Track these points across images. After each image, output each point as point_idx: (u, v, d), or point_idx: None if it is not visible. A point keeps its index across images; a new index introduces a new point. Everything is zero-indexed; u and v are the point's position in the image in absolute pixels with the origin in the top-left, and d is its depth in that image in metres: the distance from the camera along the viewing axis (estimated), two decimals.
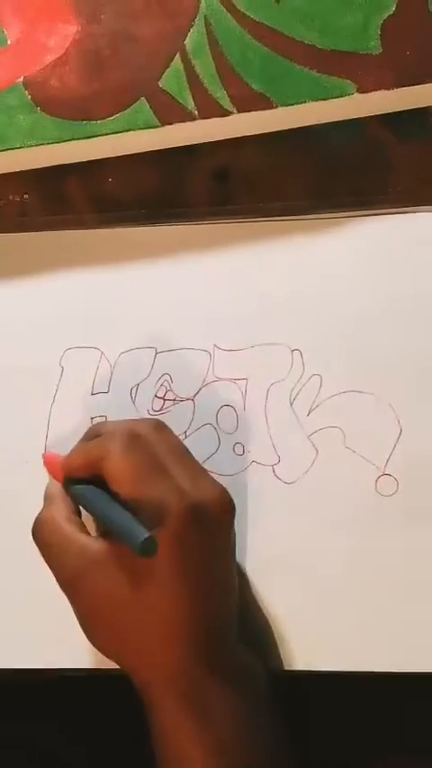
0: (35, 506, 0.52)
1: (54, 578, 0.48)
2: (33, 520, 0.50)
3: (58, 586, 0.48)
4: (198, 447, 0.54)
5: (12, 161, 0.53)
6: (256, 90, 0.51)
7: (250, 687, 0.47)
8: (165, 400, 0.55)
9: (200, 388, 0.54)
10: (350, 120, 0.53)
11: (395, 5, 0.51)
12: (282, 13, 0.51)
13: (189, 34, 0.51)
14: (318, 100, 0.51)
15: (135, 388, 0.55)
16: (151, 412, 0.54)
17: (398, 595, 0.52)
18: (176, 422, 0.54)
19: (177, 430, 0.54)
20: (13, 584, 0.54)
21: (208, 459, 0.54)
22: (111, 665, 0.48)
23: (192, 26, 0.51)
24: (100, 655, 0.49)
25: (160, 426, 0.49)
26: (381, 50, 0.51)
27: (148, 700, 0.47)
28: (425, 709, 0.53)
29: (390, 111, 0.53)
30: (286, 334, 0.54)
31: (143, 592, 0.45)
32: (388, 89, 0.51)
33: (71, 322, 0.55)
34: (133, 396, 0.55)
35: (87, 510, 0.49)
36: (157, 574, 0.45)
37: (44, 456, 0.52)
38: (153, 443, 0.48)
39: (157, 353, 0.55)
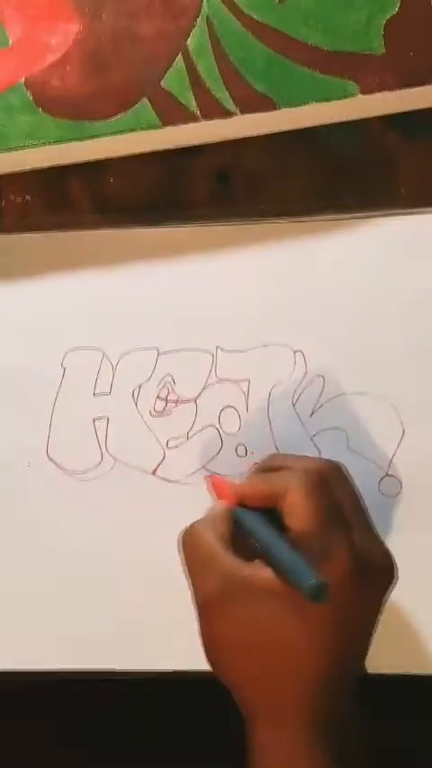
0: (36, 508, 0.52)
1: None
2: (35, 524, 0.49)
3: (57, 586, 0.48)
4: (200, 448, 0.54)
5: (13, 161, 0.53)
6: (258, 91, 0.51)
7: (357, 739, 0.47)
8: (167, 401, 0.55)
9: (202, 390, 0.54)
10: (353, 120, 0.53)
11: (398, 5, 0.51)
12: (284, 14, 0.51)
13: (191, 34, 0.51)
14: (320, 101, 0.51)
15: (137, 390, 0.55)
16: (153, 413, 0.54)
17: (401, 596, 0.52)
18: (179, 423, 0.54)
19: (179, 431, 0.54)
20: (14, 584, 0.54)
21: (210, 460, 0.54)
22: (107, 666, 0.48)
23: (194, 26, 0.51)
24: (98, 656, 0.49)
25: (343, 472, 0.49)
26: (384, 51, 0.51)
27: (258, 734, 0.46)
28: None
29: (393, 112, 0.53)
30: (289, 336, 0.54)
31: (289, 631, 0.45)
32: (391, 90, 0.51)
33: (73, 323, 0.55)
34: (135, 397, 0.55)
35: (253, 537, 0.47)
36: (310, 618, 0.44)
37: (210, 478, 0.52)
38: (336, 490, 0.47)
39: (159, 354, 0.55)
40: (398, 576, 0.47)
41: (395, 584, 0.47)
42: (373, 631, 0.47)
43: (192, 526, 0.49)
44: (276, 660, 0.45)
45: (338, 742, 0.45)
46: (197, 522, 0.49)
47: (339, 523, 0.46)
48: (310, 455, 0.53)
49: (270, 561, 0.45)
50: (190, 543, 0.48)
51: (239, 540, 0.48)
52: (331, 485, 0.47)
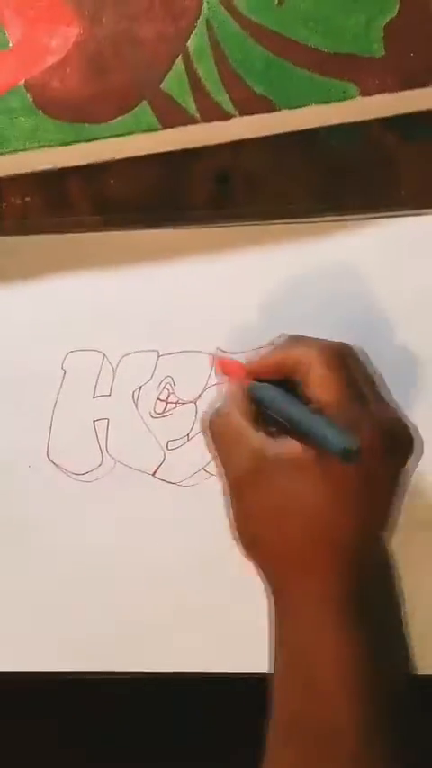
0: (37, 509, 0.52)
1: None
2: (36, 525, 0.49)
3: (58, 587, 0.48)
4: (200, 450, 0.54)
5: (13, 163, 0.53)
6: (257, 93, 0.51)
7: (384, 608, 0.48)
8: (167, 403, 0.55)
9: (202, 391, 0.55)
10: (353, 122, 0.53)
11: (398, 8, 0.51)
12: (284, 16, 0.51)
13: (191, 37, 0.51)
14: (320, 103, 0.51)
15: (137, 391, 0.55)
16: (153, 415, 0.55)
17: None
18: (179, 425, 0.54)
19: (180, 432, 0.54)
20: (14, 585, 0.54)
21: (210, 462, 0.54)
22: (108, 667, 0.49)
23: (194, 29, 0.51)
24: (98, 657, 0.49)
25: (357, 352, 0.50)
26: (384, 53, 0.51)
27: (285, 605, 0.47)
28: None
29: (393, 114, 0.53)
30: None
31: (318, 499, 0.45)
32: (391, 92, 0.51)
33: (73, 325, 0.55)
34: (135, 399, 0.55)
35: (274, 410, 0.48)
36: (338, 486, 0.45)
37: (217, 359, 0.53)
38: (356, 365, 0.49)
39: (159, 356, 0.55)
40: (422, 450, 0.49)
41: (416, 454, 0.48)
42: (395, 501, 0.48)
43: (216, 408, 0.49)
44: (306, 528, 0.46)
45: (365, 609, 0.46)
46: (219, 404, 0.49)
47: (360, 396, 0.47)
48: None
49: (298, 431, 0.46)
50: (217, 424, 0.49)
51: (260, 417, 0.49)
52: (349, 361, 0.48)
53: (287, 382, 0.49)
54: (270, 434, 0.47)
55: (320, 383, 0.47)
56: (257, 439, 0.47)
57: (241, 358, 0.54)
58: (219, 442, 0.49)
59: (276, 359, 0.49)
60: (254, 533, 0.48)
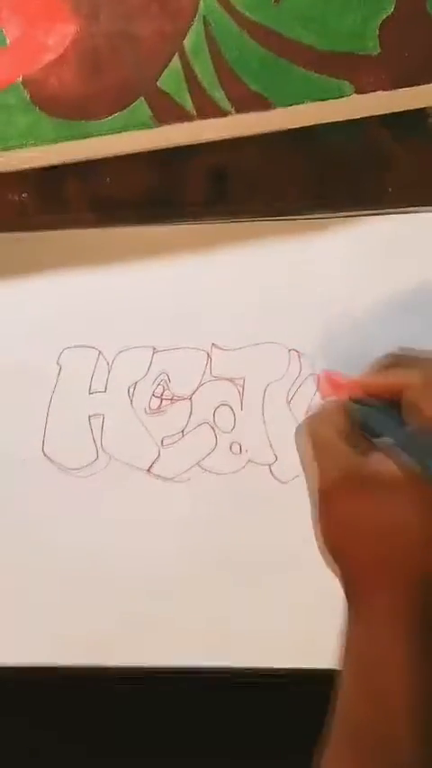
0: (31, 505, 0.52)
1: None
2: (31, 521, 0.50)
3: (53, 583, 0.48)
4: (195, 446, 0.54)
5: (10, 161, 0.53)
6: (254, 90, 0.51)
7: None
8: (162, 399, 0.55)
9: (197, 387, 0.55)
10: (349, 120, 0.53)
11: (393, 6, 0.51)
12: (280, 14, 0.51)
13: (188, 35, 0.51)
14: (316, 100, 0.51)
15: (132, 387, 0.55)
16: (148, 411, 0.55)
17: None
18: (174, 421, 0.54)
19: (174, 429, 0.54)
20: (9, 581, 0.55)
21: (205, 458, 0.54)
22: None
23: (190, 26, 0.51)
24: (95, 653, 0.49)
25: None
26: (379, 51, 0.51)
27: (363, 616, 0.47)
28: None
29: (388, 112, 0.53)
30: (284, 334, 0.54)
31: (409, 522, 0.45)
32: (386, 90, 0.51)
33: (69, 321, 0.55)
34: (131, 395, 0.55)
35: (373, 429, 0.48)
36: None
37: (324, 373, 0.52)
38: None
39: (154, 352, 0.55)
40: None
41: None
42: None
43: (311, 417, 0.49)
44: (394, 547, 0.46)
45: None
46: (315, 414, 0.49)
47: None
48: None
49: (395, 453, 0.46)
50: (311, 431, 0.49)
51: (353, 435, 0.48)
52: None
53: (389, 403, 0.48)
54: (363, 452, 0.47)
55: (422, 406, 0.46)
56: (352, 454, 0.47)
57: (236, 355, 0.55)
58: (315, 449, 0.48)
59: (384, 382, 0.49)
60: (340, 544, 0.47)
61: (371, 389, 0.49)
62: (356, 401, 0.49)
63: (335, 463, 0.47)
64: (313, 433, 0.49)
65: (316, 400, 0.54)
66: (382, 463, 0.46)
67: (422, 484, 0.45)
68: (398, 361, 0.50)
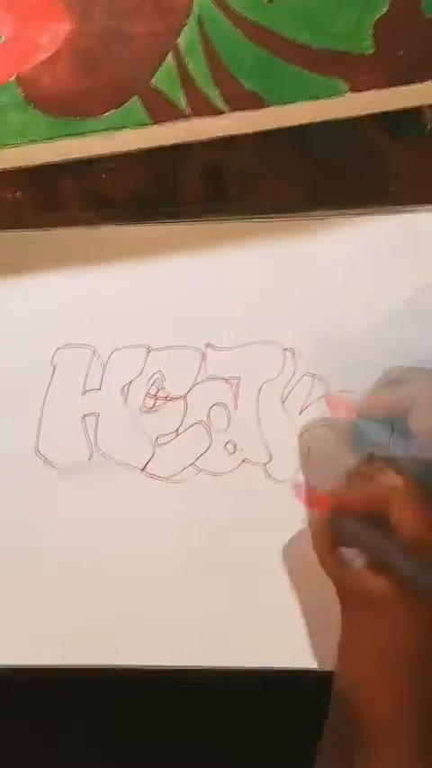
0: (25, 504, 0.52)
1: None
2: (26, 521, 0.50)
3: (47, 582, 0.48)
4: (189, 445, 0.54)
5: (4, 159, 0.53)
6: (248, 89, 0.51)
7: None
8: (156, 398, 0.55)
9: (192, 387, 0.55)
10: (343, 119, 0.53)
11: (388, 5, 0.51)
12: (274, 13, 0.51)
13: (182, 33, 0.51)
14: (310, 99, 0.51)
15: (127, 386, 0.55)
16: (143, 410, 0.55)
17: None
18: (168, 420, 0.54)
19: (169, 428, 0.54)
20: (2, 582, 0.54)
21: (199, 457, 0.54)
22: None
23: (185, 25, 0.51)
24: (91, 652, 0.49)
25: None
26: (373, 50, 0.51)
27: (379, 750, 0.46)
28: None
29: (382, 111, 0.53)
30: (279, 333, 0.54)
31: (410, 638, 0.45)
32: (380, 88, 0.51)
33: (63, 320, 0.55)
34: (125, 394, 0.55)
35: (360, 546, 0.47)
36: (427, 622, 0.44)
37: (301, 489, 0.52)
38: None
39: (149, 352, 0.55)
40: None
41: None
42: None
43: (293, 541, 0.49)
44: (397, 668, 0.45)
45: None
46: (298, 534, 0.49)
47: None
48: (297, 454, 0.53)
49: (384, 569, 0.45)
50: (294, 557, 0.48)
51: (340, 549, 0.48)
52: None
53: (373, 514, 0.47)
54: (348, 566, 0.46)
55: (407, 517, 0.45)
56: (340, 574, 0.46)
57: (230, 354, 0.54)
58: (299, 577, 0.48)
59: (364, 493, 0.47)
60: (348, 678, 0.46)
61: (353, 502, 0.48)
62: (339, 514, 0.48)
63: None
64: (297, 555, 0.48)
65: (310, 400, 0.54)
66: (371, 581, 0.45)
67: (412, 598, 0.43)
68: (375, 466, 0.48)
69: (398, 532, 0.45)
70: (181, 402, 0.54)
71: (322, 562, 0.47)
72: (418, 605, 0.43)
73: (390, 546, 0.45)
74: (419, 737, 0.45)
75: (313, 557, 0.47)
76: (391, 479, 0.46)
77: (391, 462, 0.48)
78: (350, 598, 0.46)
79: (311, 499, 0.51)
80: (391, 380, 0.50)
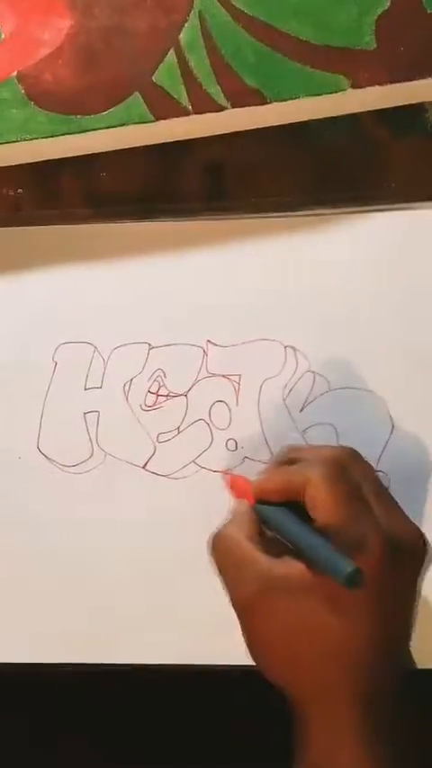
0: (26, 502, 0.52)
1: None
2: (26, 518, 0.49)
3: (48, 580, 0.48)
4: (190, 443, 0.54)
5: (5, 155, 0.53)
6: (250, 85, 0.51)
7: (406, 721, 0.47)
8: (158, 396, 0.55)
9: (193, 384, 0.54)
10: (344, 115, 0.53)
11: (389, 1, 0.51)
12: (276, 9, 0.51)
13: (183, 29, 0.51)
14: (312, 95, 0.51)
15: (128, 384, 0.55)
16: (144, 407, 0.54)
17: None
18: (169, 417, 0.54)
19: (170, 425, 0.54)
20: (2, 578, 0.54)
21: (200, 455, 0.54)
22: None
23: (186, 21, 0.51)
24: (93, 650, 0.49)
25: (358, 456, 0.49)
26: (375, 46, 0.51)
27: (309, 723, 0.46)
28: None
29: (384, 107, 0.53)
30: (280, 331, 0.54)
31: (328, 621, 0.45)
32: (382, 85, 0.51)
33: (64, 317, 0.55)
34: (126, 391, 0.55)
35: (279, 533, 0.48)
36: (347, 606, 0.45)
37: (228, 478, 0.52)
38: (354, 474, 0.47)
39: (150, 349, 0.55)
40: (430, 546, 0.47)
41: (428, 554, 0.47)
42: (413, 611, 0.48)
43: (219, 530, 0.49)
44: (320, 651, 0.45)
45: (387, 724, 0.45)
46: (224, 525, 0.49)
47: (364, 509, 0.46)
48: None
49: (301, 554, 0.45)
50: (220, 548, 0.48)
51: (266, 536, 0.48)
52: (350, 470, 0.47)
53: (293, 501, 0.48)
54: (277, 554, 0.47)
55: (319, 502, 0.46)
56: (262, 561, 0.46)
57: (232, 351, 0.54)
58: (222, 565, 0.48)
59: (282, 479, 0.48)
60: (266, 658, 0.47)
61: (270, 491, 0.48)
62: (263, 503, 0.49)
63: (246, 573, 0.46)
64: (223, 546, 0.48)
65: (312, 397, 0.54)
66: (293, 565, 0.46)
67: (329, 581, 0.43)
68: (293, 455, 0.49)
69: (315, 518, 0.46)
70: (182, 399, 0.54)
71: (244, 551, 0.47)
72: (336, 588, 0.43)
73: (306, 530, 0.45)
74: (356, 723, 0.45)
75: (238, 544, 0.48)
76: (305, 468, 0.47)
77: (302, 449, 0.50)
78: (265, 589, 0.46)
79: (237, 489, 0.51)
80: (284, 461, 0.50)
